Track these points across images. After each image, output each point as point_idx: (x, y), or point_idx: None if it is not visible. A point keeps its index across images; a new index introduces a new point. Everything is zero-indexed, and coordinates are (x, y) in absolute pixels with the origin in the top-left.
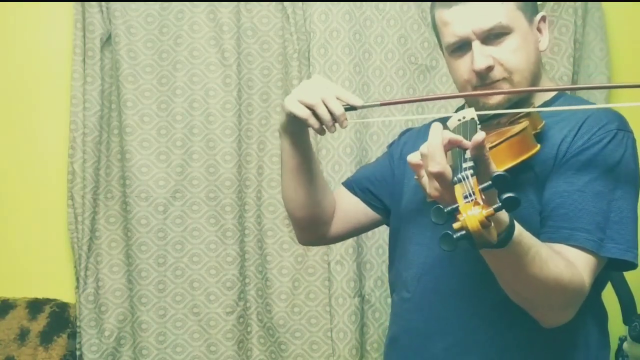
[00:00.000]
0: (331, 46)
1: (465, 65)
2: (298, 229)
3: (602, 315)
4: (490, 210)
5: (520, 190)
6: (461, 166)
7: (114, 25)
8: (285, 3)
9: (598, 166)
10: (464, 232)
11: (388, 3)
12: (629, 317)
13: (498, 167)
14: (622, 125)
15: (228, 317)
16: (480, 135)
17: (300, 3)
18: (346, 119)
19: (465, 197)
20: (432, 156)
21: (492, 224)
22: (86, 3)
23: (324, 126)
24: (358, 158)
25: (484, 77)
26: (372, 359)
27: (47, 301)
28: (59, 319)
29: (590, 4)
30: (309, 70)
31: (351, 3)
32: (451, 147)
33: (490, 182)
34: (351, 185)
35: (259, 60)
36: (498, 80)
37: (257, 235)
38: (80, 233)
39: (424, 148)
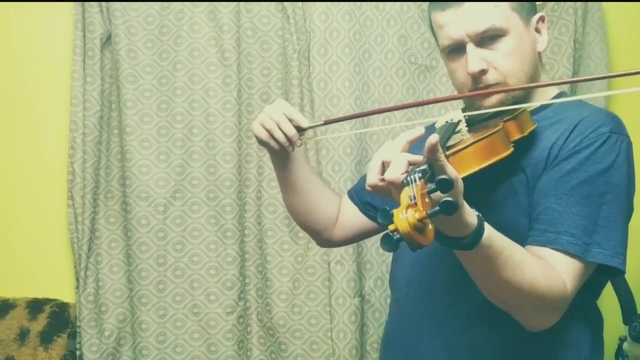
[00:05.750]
0: (331, 46)
1: (461, 68)
2: (307, 233)
3: (596, 320)
4: (423, 213)
5: (511, 192)
6: (414, 169)
7: (114, 25)
8: (285, 3)
9: (588, 169)
10: (398, 234)
11: (388, 3)
12: (629, 317)
13: (464, 170)
14: (616, 128)
15: (228, 317)
16: (433, 138)
17: (300, 3)
18: (299, 139)
19: (410, 199)
20: (386, 163)
21: (430, 227)
22: (86, 3)
23: (283, 147)
24: (358, 158)
25: (478, 81)
26: (372, 359)
27: (47, 301)
28: (59, 319)
29: (590, 4)
30: (309, 70)
31: (351, 3)
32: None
33: (434, 185)
34: (352, 195)
35: (259, 60)
36: (492, 85)
37: (257, 235)
38: (80, 233)
39: (381, 155)
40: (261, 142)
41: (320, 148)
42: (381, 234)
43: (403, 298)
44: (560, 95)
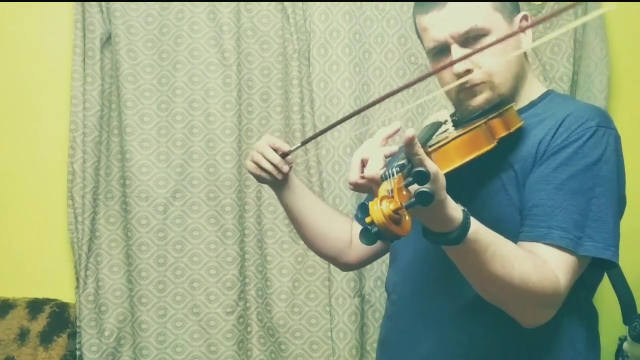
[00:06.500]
0: (331, 46)
1: (446, 69)
2: (325, 260)
3: (590, 316)
4: (398, 203)
5: (501, 189)
6: (393, 164)
7: (114, 25)
8: (285, 3)
9: (577, 164)
10: (375, 226)
11: (388, 3)
12: (629, 317)
13: (448, 165)
14: (603, 121)
15: (228, 317)
16: (409, 132)
17: (300, 3)
18: (286, 164)
19: (388, 192)
20: (370, 148)
21: (407, 218)
22: (86, 3)
23: (273, 175)
24: None
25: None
26: (372, 359)
27: (47, 301)
28: (59, 319)
29: (590, 4)
30: (309, 70)
31: (351, 3)
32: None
33: (411, 178)
34: (357, 217)
35: (259, 60)
36: (478, 85)
37: (257, 235)
38: (80, 233)
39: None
40: (255, 177)
41: (320, 148)
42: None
43: (397, 300)
44: (547, 93)
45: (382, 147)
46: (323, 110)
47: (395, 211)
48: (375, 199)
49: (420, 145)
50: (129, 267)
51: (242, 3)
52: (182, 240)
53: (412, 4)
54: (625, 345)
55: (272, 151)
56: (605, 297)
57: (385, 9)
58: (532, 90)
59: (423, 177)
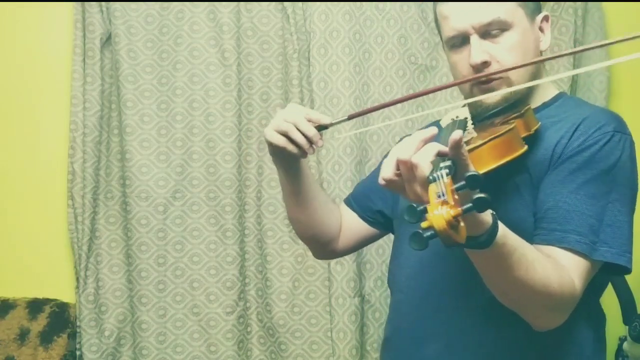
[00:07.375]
0: (331, 46)
1: (463, 60)
2: (309, 247)
3: (598, 319)
4: (459, 210)
5: (516, 191)
6: (439, 166)
7: (114, 25)
8: (285, 3)
9: (593, 168)
10: (431, 231)
11: (388, 3)
12: (629, 317)
13: (481, 168)
14: (619, 127)
15: (228, 317)
16: (456, 134)
17: (300, 3)
18: (320, 138)
19: (439, 196)
20: (407, 149)
21: (462, 224)
22: (86, 3)
23: (303, 149)
24: (358, 158)
25: (479, 73)
26: (372, 359)
27: (47, 301)
28: (59, 319)
29: (590, 4)
30: (309, 70)
31: (351, 3)
32: (426, 143)
33: (463, 182)
34: (350, 202)
35: (259, 60)
36: (495, 79)
37: (257, 235)
38: (80, 233)
39: (402, 144)
40: (275, 150)
41: (320, 148)
42: (378, 239)
43: (404, 299)
44: (560, 96)
45: (435, 143)
46: (323, 110)
47: (455, 217)
48: (431, 203)
49: (465, 148)
50: (129, 267)
51: (242, 3)
52: (182, 240)
53: (412, 4)
54: (625, 345)
55: (308, 123)
56: (605, 297)
57: (385, 9)
58: (545, 91)
59: (477, 181)
